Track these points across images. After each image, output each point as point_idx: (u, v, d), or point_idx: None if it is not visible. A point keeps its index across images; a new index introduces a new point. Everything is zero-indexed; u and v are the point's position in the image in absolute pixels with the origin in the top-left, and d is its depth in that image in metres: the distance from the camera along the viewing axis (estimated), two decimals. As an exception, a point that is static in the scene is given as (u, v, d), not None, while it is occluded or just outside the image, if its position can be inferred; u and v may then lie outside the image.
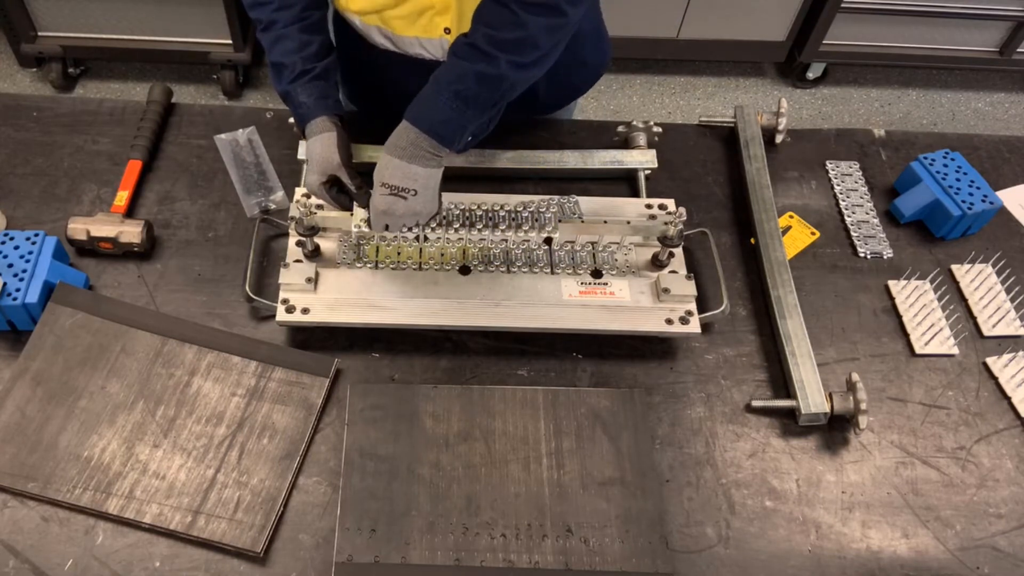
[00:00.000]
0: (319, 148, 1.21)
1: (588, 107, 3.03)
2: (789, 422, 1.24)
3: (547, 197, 1.32)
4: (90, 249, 1.31)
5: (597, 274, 1.29)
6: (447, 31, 1.24)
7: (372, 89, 1.51)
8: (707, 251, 1.37)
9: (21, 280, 1.18)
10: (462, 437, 1.16)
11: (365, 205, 1.21)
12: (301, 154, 1.40)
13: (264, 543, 1.06)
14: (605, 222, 1.29)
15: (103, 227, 1.29)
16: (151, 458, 1.11)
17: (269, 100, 2.93)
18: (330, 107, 1.24)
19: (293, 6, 1.23)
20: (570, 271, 1.29)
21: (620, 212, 1.34)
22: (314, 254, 1.28)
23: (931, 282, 1.39)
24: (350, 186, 1.22)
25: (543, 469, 1.14)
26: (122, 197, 1.35)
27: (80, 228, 1.29)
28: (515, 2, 1.07)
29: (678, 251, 1.32)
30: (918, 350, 1.32)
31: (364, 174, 1.21)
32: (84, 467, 1.10)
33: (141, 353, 1.20)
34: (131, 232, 1.29)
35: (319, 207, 1.28)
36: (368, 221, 1.21)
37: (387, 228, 1.20)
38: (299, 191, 1.32)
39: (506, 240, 1.25)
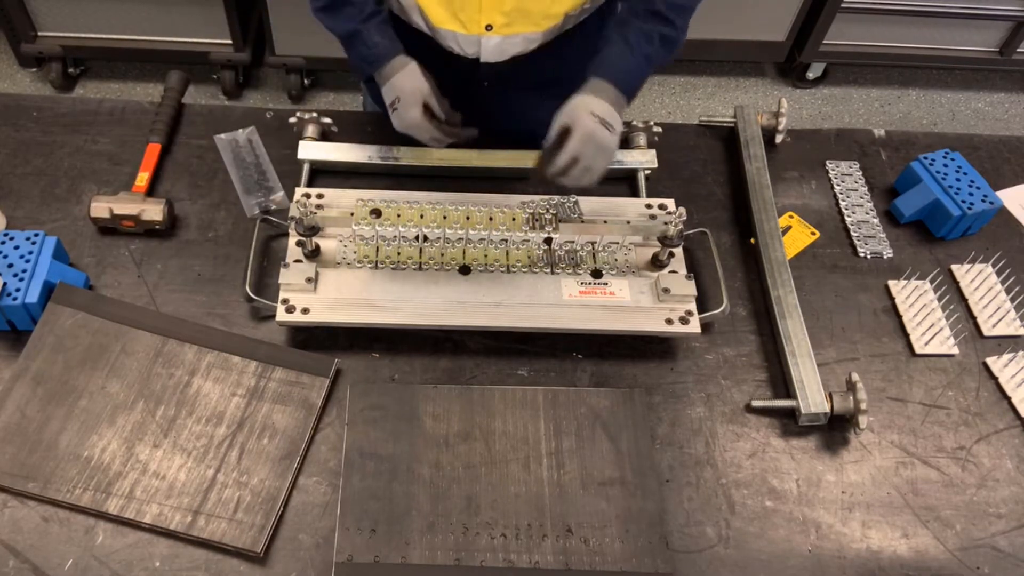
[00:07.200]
0: (408, 80, 1.22)
1: (588, 107, 3.02)
2: (789, 422, 1.24)
3: (547, 197, 1.32)
4: (112, 228, 1.34)
5: (597, 274, 1.29)
6: (489, 28, 1.24)
7: None
8: (707, 251, 1.37)
9: (21, 280, 1.18)
10: (462, 437, 1.16)
11: (456, 125, 1.23)
12: (301, 154, 1.41)
13: (264, 543, 1.06)
14: (605, 222, 1.29)
15: (126, 205, 1.32)
16: (151, 458, 1.11)
17: (269, 100, 2.93)
18: (400, 48, 1.25)
19: None
20: (570, 271, 1.29)
21: (620, 212, 1.34)
22: (314, 254, 1.28)
23: (931, 282, 1.39)
24: (439, 113, 1.23)
25: (543, 469, 1.14)
26: (143, 178, 1.38)
27: (103, 207, 1.31)
28: None
29: (678, 251, 1.32)
30: (918, 350, 1.32)
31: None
32: (84, 467, 1.10)
33: (141, 353, 1.20)
34: (153, 210, 1.32)
35: (319, 207, 1.28)
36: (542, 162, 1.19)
37: (570, 167, 1.17)
38: (299, 191, 1.33)
39: (506, 240, 1.25)
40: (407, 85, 1.22)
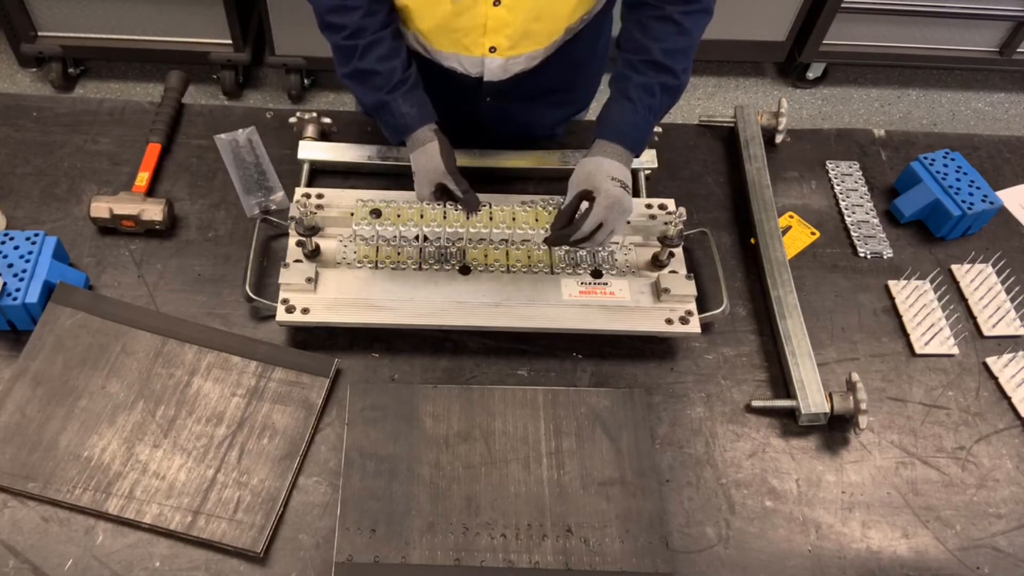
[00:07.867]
0: (424, 160, 1.22)
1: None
2: (789, 422, 1.24)
3: (547, 197, 1.32)
4: (112, 228, 1.34)
5: (597, 274, 1.29)
6: (493, 50, 1.24)
7: None
8: (707, 251, 1.37)
9: (21, 280, 1.18)
10: (462, 437, 1.16)
11: (475, 208, 1.22)
12: (301, 154, 1.41)
13: (264, 543, 1.06)
14: (605, 222, 1.29)
15: (126, 206, 1.32)
16: (151, 458, 1.11)
17: (269, 100, 2.93)
18: (428, 115, 1.23)
19: (379, 12, 1.20)
20: (570, 271, 1.29)
21: (620, 212, 1.33)
22: (314, 254, 1.28)
23: (931, 282, 1.39)
24: (457, 192, 1.22)
25: (543, 469, 1.14)
26: (143, 178, 1.38)
27: (103, 207, 1.31)
28: (678, 14, 1.18)
29: (678, 251, 1.32)
30: (918, 350, 1.32)
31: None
32: (84, 467, 1.10)
33: (141, 353, 1.20)
34: (153, 210, 1.32)
35: (319, 207, 1.28)
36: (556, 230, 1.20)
37: (594, 232, 1.17)
38: (299, 191, 1.33)
39: (506, 240, 1.25)
40: (423, 165, 1.22)
